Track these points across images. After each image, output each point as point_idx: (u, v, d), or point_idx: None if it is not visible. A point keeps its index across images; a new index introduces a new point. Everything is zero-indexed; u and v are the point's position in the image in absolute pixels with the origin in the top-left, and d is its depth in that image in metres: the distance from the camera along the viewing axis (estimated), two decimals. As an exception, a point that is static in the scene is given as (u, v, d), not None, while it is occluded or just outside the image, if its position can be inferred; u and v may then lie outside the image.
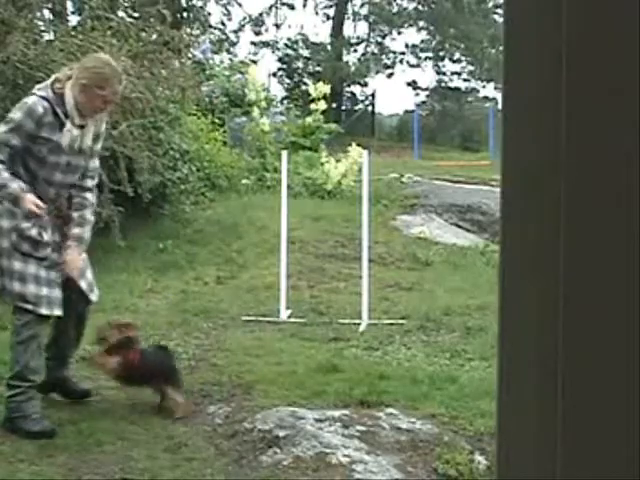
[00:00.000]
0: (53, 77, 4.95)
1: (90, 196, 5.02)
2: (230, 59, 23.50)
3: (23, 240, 4.73)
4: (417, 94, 32.88)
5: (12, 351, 4.86)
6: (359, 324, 7.21)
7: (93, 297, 5.08)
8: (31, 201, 4.65)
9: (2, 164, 4.68)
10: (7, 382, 4.88)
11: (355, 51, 32.50)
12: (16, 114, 4.74)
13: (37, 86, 5.01)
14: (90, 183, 5.02)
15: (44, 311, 4.76)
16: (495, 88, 30.43)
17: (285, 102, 21.00)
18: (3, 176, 4.66)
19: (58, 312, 4.84)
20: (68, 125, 4.76)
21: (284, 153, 8.69)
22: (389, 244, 10.49)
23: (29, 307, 4.74)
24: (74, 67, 5.05)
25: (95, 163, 5.06)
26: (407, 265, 9.72)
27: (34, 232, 4.74)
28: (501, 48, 0.96)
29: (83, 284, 4.98)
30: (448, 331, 7.07)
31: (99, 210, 6.71)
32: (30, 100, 4.78)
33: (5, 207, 4.77)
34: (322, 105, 14.73)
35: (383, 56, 32.17)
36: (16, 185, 4.67)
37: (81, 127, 4.82)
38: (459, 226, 12.10)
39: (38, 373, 4.86)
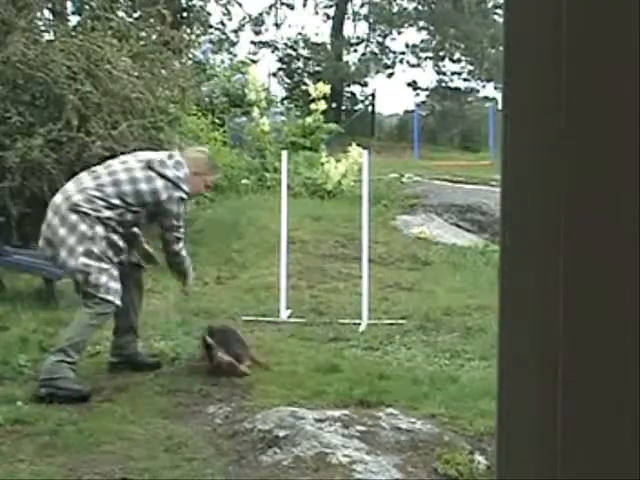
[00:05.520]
0: (187, 169, 5.73)
1: None
2: (230, 59, 23.46)
3: (111, 247, 5.54)
4: (417, 94, 32.85)
5: (78, 326, 5.46)
6: (359, 324, 7.20)
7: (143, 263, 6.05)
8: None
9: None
10: (60, 348, 5.37)
11: (355, 51, 32.48)
12: (174, 207, 5.69)
13: (173, 168, 5.70)
14: None
15: (118, 302, 5.50)
16: (495, 88, 30.41)
17: (285, 102, 20.98)
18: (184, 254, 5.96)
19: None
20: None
21: (284, 153, 8.68)
22: (389, 244, 10.48)
23: (110, 298, 5.45)
24: (183, 159, 5.83)
25: None
26: (407, 265, 9.72)
27: (121, 243, 5.61)
28: (501, 48, 0.96)
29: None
30: (448, 331, 7.07)
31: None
32: (177, 194, 5.67)
33: (98, 215, 5.51)
34: (322, 105, 14.72)
35: (383, 56, 32.12)
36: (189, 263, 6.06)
37: None
38: (459, 226, 12.10)
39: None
